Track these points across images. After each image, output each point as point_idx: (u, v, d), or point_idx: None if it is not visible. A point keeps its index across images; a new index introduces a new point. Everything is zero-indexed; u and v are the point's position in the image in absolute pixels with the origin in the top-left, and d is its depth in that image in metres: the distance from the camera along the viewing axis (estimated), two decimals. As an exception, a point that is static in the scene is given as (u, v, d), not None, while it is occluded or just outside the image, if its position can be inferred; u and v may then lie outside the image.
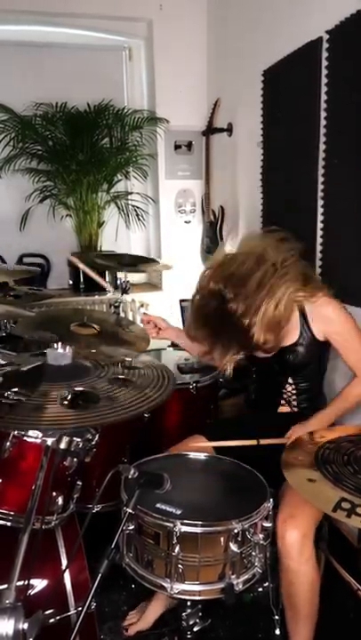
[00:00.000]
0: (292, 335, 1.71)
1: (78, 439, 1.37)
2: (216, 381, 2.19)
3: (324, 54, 2.06)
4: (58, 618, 1.34)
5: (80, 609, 1.14)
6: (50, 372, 1.39)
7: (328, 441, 1.32)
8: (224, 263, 1.61)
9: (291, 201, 2.43)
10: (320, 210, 2.17)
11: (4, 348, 1.96)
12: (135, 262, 2.58)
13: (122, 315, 2.63)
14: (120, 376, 1.46)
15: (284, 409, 1.80)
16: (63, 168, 3.35)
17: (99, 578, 1.16)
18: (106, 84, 3.49)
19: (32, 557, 1.11)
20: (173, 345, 2.94)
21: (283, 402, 1.79)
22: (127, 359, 1.58)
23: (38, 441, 1.34)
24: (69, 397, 1.27)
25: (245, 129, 2.90)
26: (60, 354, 1.31)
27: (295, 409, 1.79)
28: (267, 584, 1.66)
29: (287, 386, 1.77)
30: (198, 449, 1.64)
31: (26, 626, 0.95)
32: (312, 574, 1.45)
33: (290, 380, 1.77)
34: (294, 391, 1.77)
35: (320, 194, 2.16)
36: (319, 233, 2.16)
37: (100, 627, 1.57)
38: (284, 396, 1.79)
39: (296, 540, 1.41)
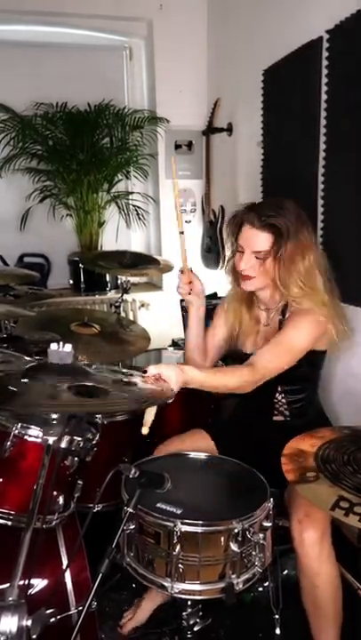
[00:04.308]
0: None
1: (79, 438, 1.37)
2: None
3: (325, 54, 2.06)
4: (59, 617, 1.34)
5: (81, 608, 1.15)
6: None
7: (328, 440, 1.32)
8: None
9: (294, 199, 2.43)
10: (320, 209, 2.17)
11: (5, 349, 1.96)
12: (137, 261, 2.58)
13: (122, 314, 2.64)
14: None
15: (277, 418, 1.78)
16: (63, 168, 3.35)
17: (99, 577, 1.16)
18: (106, 84, 3.49)
19: (33, 557, 1.11)
20: (174, 344, 2.96)
21: (275, 412, 1.76)
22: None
23: (39, 440, 1.34)
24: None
25: (245, 128, 2.90)
26: (64, 353, 1.31)
27: (288, 418, 1.76)
28: (267, 584, 1.66)
29: (277, 395, 1.74)
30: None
31: (29, 623, 0.96)
32: (334, 573, 1.45)
33: (279, 389, 1.73)
34: (284, 400, 1.74)
35: (320, 193, 2.17)
36: (319, 232, 2.16)
37: (101, 626, 1.57)
38: (276, 406, 1.75)
39: (314, 540, 1.40)
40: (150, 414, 1.38)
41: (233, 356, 1.86)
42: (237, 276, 1.76)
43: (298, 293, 1.63)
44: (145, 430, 1.37)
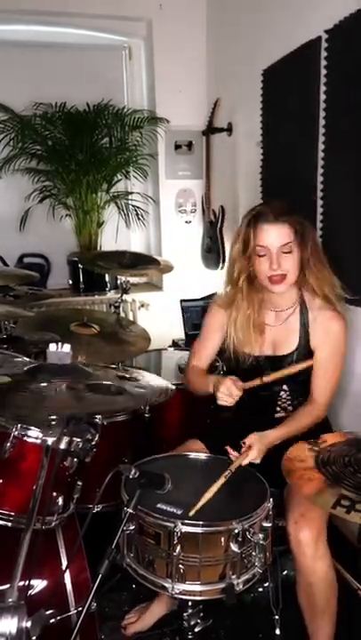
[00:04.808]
0: (290, 343, 1.70)
1: (78, 439, 1.37)
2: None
3: (324, 54, 2.06)
4: (58, 618, 1.34)
5: (80, 609, 1.14)
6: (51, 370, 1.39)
7: (330, 444, 1.32)
8: None
9: (290, 200, 2.42)
10: (320, 210, 2.17)
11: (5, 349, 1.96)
12: (137, 261, 2.59)
13: (122, 315, 2.64)
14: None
15: (280, 415, 1.77)
16: (63, 168, 3.35)
17: (99, 578, 1.16)
18: (106, 84, 3.49)
19: (33, 558, 1.11)
20: (174, 345, 2.96)
21: (278, 409, 1.76)
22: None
23: (38, 441, 1.34)
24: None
25: (245, 128, 2.90)
26: (63, 353, 1.31)
27: (290, 415, 1.75)
28: (267, 584, 1.66)
29: (282, 393, 1.74)
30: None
31: (29, 624, 0.95)
32: (329, 571, 1.45)
33: (285, 387, 1.73)
34: (289, 397, 1.74)
35: (319, 193, 2.16)
36: (319, 232, 2.16)
37: (101, 627, 1.57)
38: (279, 402, 1.76)
39: (310, 539, 1.41)
40: (208, 496, 1.35)
41: (234, 359, 1.81)
42: (252, 282, 1.72)
43: (327, 276, 1.67)
44: (192, 513, 1.31)
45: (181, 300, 3.03)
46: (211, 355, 1.86)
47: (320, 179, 2.15)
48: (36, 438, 1.36)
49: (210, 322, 1.85)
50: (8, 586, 1.00)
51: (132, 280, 2.65)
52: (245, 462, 1.48)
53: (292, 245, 1.62)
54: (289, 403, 1.75)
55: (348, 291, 1.73)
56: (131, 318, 3.33)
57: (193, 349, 1.90)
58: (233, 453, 1.52)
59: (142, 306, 3.42)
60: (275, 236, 1.60)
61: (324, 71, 2.07)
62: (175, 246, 3.54)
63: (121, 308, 2.56)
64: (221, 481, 1.38)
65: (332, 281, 1.69)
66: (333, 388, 1.70)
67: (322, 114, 2.10)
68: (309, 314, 1.69)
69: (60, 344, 1.32)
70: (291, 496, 1.51)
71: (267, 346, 1.74)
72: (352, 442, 1.34)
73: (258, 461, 1.50)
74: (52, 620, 1.32)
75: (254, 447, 1.49)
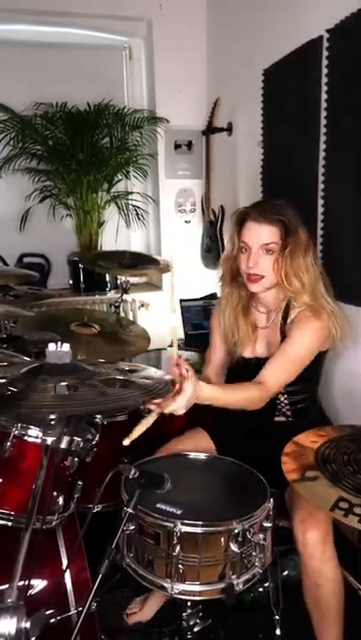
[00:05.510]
0: (277, 344, 1.70)
1: (79, 439, 1.37)
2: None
3: (325, 53, 2.05)
4: (58, 618, 1.34)
5: (80, 609, 1.14)
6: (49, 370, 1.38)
7: (329, 440, 1.31)
8: None
9: (291, 201, 2.42)
10: (320, 209, 2.17)
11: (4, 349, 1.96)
12: (137, 261, 2.59)
13: (122, 314, 2.64)
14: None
15: (279, 419, 1.78)
16: (63, 168, 3.35)
17: (99, 578, 1.16)
18: (106, 84, 3.48)
19: (33, 557, 1.11)
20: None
21: (277, 413, 1.76)
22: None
23: (38, 441, 1.34)
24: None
25: (245, 128, 2.90)
26: (62, 352, 1.31)
27: (289, 418, 1.77)
28: (267, 584, 1.66)
29: (280, 395, 1.73)
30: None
31: (28, 625, 0.95)
32: (336, 570, 1.44)
33: (282, 390, 1.72)
34: (286, 401, 1.74)
35: (320, 193, 2.16)
36: (319, 233, 2.16)
37: (101, 627, 1.57)
38: (278, 406, 1.76)
39: (317, 539, 1.40)
40: (141, 429, 1.34)
41: (232, 361, 1.84)
42: (236, 280, 1.74)
43: (300, 289, 1.62)
44: (126, 442, 1.32)
45: (181, 300, 3.03)
46: (221, 358, 1.87)
47: (321, 178, 2.15)
48: (37, 438, 1.36)
49: (212, 323, 1.88)
50: (7, 586, 1.00)
51: (132, 280, 2.65)
52: (168, 410, 1.33)
53: (276, 247, 1.60)
54: (288, 408, 1.75)
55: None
56: (131, 318, 3.33)
57: (205, 358, 1.93)
58: (154, 404, 1.38)
59: (142, 306, 3.42)
60: (256, 234, 1.61)
61: (325, 70, 2.07)
62: (175, 246, 3.54)
63: (121, 308, 2.56)
64: (153, 417, 1.34)
65: (322, 290, 1.67)
66: (284, 380, 1.61)
67: (323, 113, 2.10)
68: (290, 313, 1.68)
69: (59, 343, 1.32)
70: (295, 496, 1.49)
71: (260, 348, 1.76)
72: (353, 438, 1.32)
73: (181, 412, 1.34)
74: (52, 620, 1.32)
75: (186, 393, 1.33)
